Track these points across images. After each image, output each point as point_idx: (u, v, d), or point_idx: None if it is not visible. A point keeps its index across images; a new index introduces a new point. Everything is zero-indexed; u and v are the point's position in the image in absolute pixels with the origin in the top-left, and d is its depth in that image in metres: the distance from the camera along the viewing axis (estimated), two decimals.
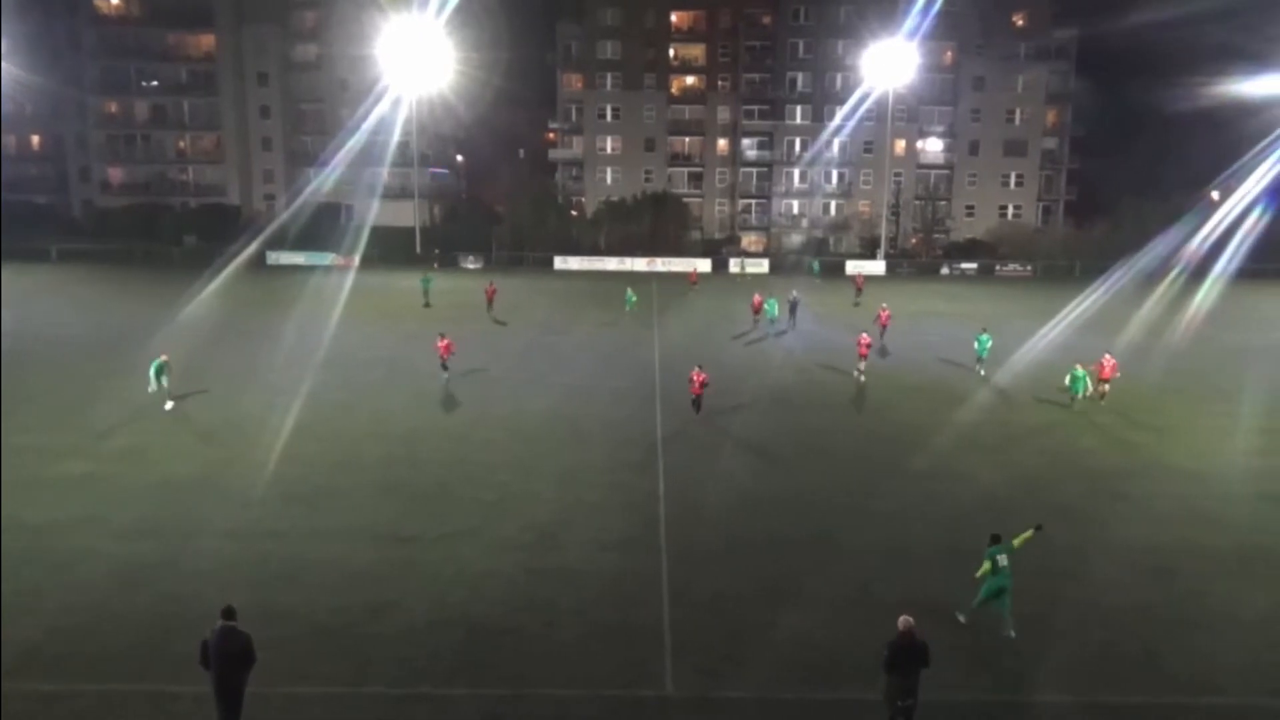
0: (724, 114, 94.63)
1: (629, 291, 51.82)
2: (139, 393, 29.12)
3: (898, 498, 22.43)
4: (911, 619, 12.61)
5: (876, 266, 78.07)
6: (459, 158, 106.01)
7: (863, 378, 34.24)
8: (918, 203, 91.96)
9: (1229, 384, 34.72)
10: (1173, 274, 65.81)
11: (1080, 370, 30.16)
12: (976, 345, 35.79)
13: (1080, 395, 30.04)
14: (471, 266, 77.46)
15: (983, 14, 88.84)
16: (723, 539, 19.78)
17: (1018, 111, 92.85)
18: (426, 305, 52.39)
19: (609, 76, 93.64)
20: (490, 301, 50.00)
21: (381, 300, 55.17)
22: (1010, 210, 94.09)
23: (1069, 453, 26.33)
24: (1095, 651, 15.24)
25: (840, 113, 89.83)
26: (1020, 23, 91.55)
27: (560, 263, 78.44)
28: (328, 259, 75.36)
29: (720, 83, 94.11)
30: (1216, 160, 72.88)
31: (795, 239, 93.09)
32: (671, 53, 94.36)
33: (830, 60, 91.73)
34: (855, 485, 23.42)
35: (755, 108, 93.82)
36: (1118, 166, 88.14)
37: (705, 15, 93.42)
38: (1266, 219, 71.79)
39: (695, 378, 28.54)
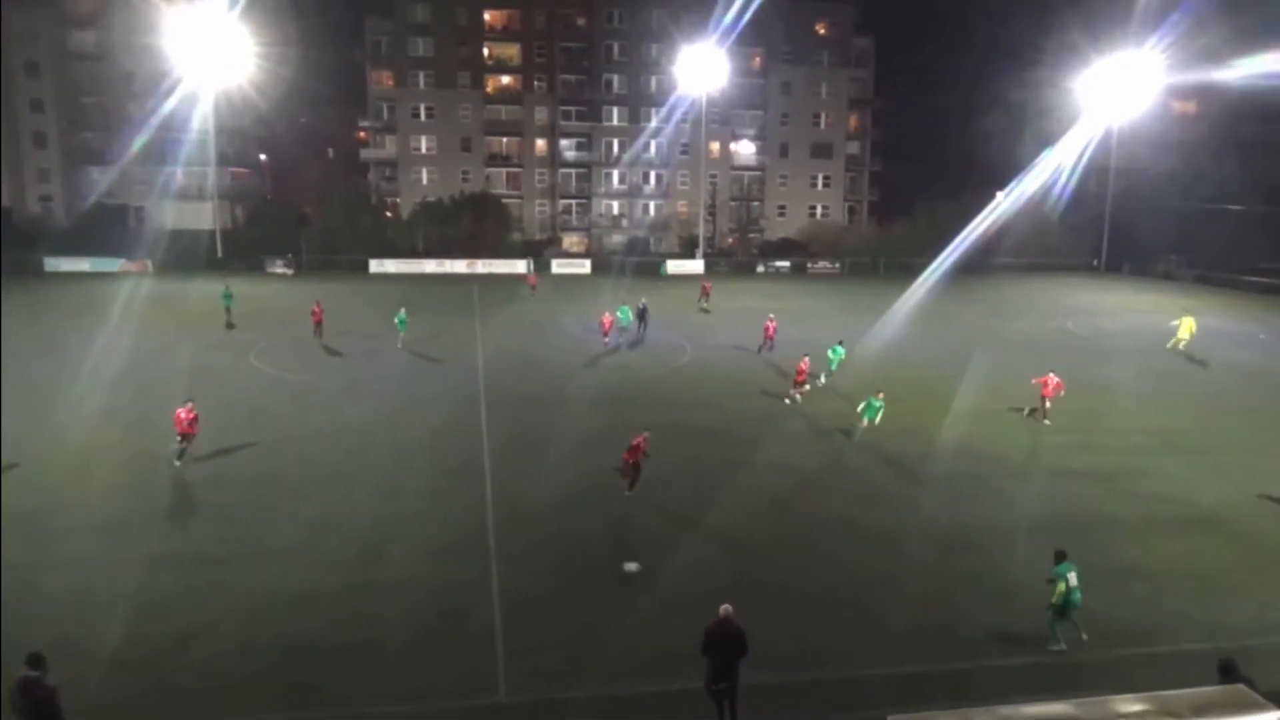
0: (541, 115, 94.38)
1: (401, 312, 41.83)
2: None
3: (724, 489, 22.99)
4: (730, 608, 12.96)
5: (695, 265, 79.91)
6: (263, 156, 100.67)
7: (799, 398, 32.05)
8: (733, 203, 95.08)
9: (1015, 370, 37.56)
10: (973, 271, 70.65)
11: (876, 401, 28.04)
12: (830, 354, 34.99)
13: (868, 423, 27.89)
14: (282, 271, 73.62)
15: (788, 22, 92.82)
16: (553, 539, 19.68)
17: (823, 116, 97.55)
18: (230, 326, 45.69)
19: (421, 75, 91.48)
20: (318, 324, 41.90)
21: (180, 308, 51.48)
22: (819, 210, 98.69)
23: (880, 441, 27.69)
24: (901, 625, 16.15)
25: (657, 115, 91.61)
26: (823, 31, 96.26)
27: (376, 266, 75.76)
28: (116, 265, 69.80)
29: (537, 83, 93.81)
30: (1006, 163, 79.08)
31: (616, 239, 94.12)
32: (486, 52, 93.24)
33: (645, 63, 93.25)
34: (683, 478, 23.76)
35: (572, 109, 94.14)
36: (915, 169, 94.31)
37: (519, 15, 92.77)
38: (1055, 216, 79.16)
39: (640, 443, 22.18)
